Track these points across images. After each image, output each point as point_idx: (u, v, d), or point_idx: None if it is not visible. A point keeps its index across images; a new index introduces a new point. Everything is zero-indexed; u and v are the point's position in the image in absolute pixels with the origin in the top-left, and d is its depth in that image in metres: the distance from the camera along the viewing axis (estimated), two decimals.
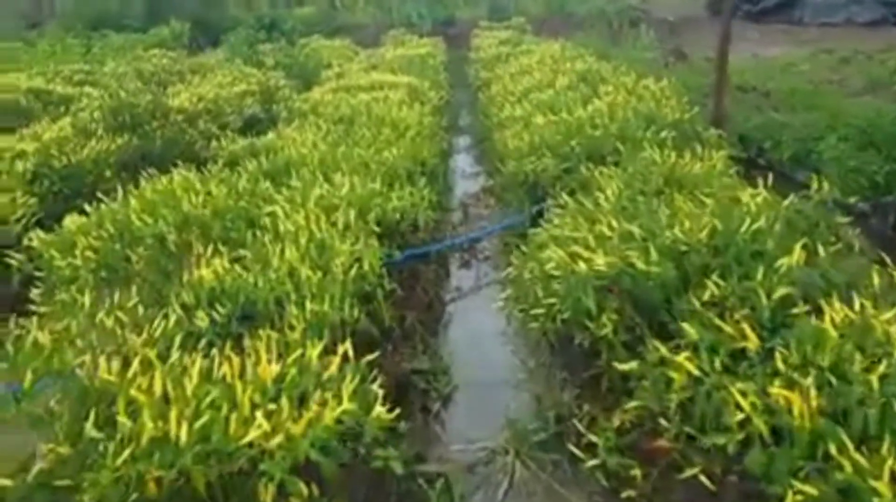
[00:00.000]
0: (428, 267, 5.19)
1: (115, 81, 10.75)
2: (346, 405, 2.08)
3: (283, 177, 4.55)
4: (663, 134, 4.82)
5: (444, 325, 4.67)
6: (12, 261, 3.66)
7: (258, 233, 3.47)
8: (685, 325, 2.33)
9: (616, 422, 2.84)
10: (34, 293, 3.50)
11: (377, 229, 3.80)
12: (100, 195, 4.34)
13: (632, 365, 2.70)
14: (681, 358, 2.21)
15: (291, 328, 2.78)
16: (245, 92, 9.53)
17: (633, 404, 2.64)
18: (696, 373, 2.16)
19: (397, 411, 2.50)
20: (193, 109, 7.41)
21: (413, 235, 4.87)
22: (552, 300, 3.28)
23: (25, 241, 3.92)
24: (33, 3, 24.01)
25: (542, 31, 18.91)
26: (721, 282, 2.72)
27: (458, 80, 14.66)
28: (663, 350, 2.37)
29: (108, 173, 5.77)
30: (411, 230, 4.44)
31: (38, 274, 3.56)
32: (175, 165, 5.02)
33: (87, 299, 3.01)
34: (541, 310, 3.36)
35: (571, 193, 4.67)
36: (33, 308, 3.43)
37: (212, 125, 7.55)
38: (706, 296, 2.68)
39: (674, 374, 2.21)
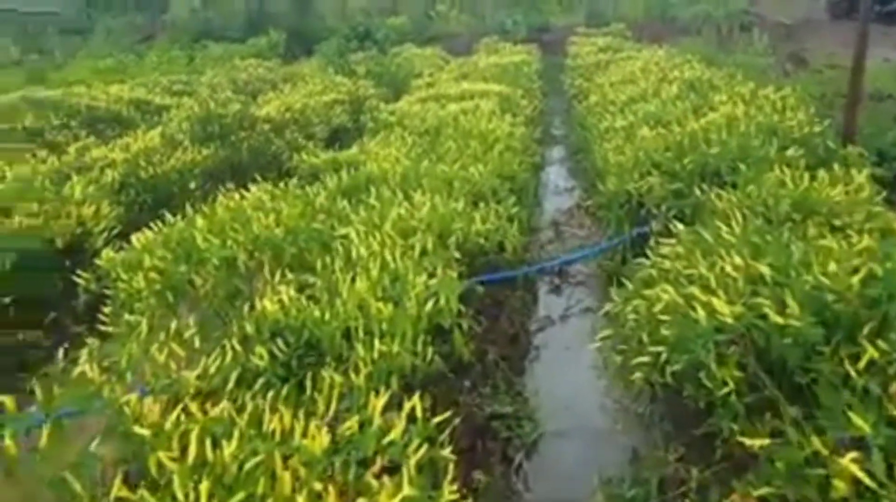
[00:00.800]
0: (514, 292, 4.77)
1: (210, 91, 11.00)
2: (406, 491, 1.71)
3: (363, 193, 4.26)
4: (790, 151, 4.19)
5: (530, 361, 4.23)
6: (80, 280, 3.53)
7: (330, 258, 3.17)
8: (854, 416, 1.80)
9: None
10: (106, 312, 3.34)
11: (458, 255, 3.42)
12: (186, 206, 4.23)
13: (762, 441, 2.18)
14: (846, 460, 1.69)
15: (357, 371, 2.45)
16: (333, 101, 9.46)
17: (762, 491, 2.12)
18: (868, 482, 1.64)
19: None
20: (281, 119, 7.32)
21: (499, 256, 4.48)
22: (660, 348, 2.80)
23: (102, 256, 3.82)
24: (147, 18, 25.36)
25: (642, 37, 18.07)
26: (882, 345, 2.16)
27: (552, 88, 14.16)
28: (818, 444, 1.84)
29: (192, 184, 5.71)
30: (497, 252, 4.03)
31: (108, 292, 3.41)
32: (261, 177, 4.88)
33: (144, 326, 2.79)
34: (645, 359, 2.88)
35: (681, 218, 4.14)
36: (103, 329, 3.31)
37: (299, 135, 7.45)
38: (863, 363, 2.13)
39: (837, 483, 1.69)
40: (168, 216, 4.07)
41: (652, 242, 4.87)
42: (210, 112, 6.54)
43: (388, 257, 2.98)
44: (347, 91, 10.56)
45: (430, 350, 2.66)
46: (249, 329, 2.68)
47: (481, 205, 4.16)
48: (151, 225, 3.99)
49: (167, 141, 6.23)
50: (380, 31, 23.40)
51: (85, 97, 8.61)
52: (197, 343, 2.63)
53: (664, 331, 2.85)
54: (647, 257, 5.09)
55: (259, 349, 2.50)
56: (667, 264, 3.18)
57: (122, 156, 5.72)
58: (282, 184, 4.54)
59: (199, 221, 3.40)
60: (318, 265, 3.10)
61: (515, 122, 7.71)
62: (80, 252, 4.47)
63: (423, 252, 3.15)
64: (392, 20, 24.86)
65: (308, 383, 2.43)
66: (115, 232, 4.64)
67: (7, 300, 3.92)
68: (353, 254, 3.07)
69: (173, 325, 2.74)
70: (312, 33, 21.46)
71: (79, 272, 3.61)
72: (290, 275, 3.00)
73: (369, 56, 14.54)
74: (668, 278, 3.06)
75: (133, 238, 3.52)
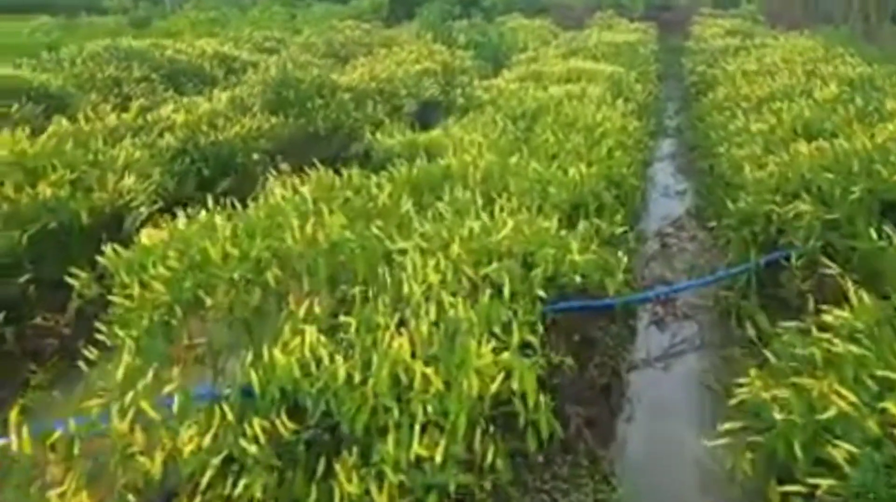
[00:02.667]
0: (608, 326, 3.89)
1: (302, 50, 10.46)
2: None
3: (436, 191, 3.49)
4: None
5: (623, 421, 3.36)
6: (74, 281, 2.95)
7: (376, 286, 2.42)
8: None
9: None
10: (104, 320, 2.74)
11: (543, 294, 2.59)
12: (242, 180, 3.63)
13: None
14: None
15: (381, 480, 1.71)
16: (425, 71, 8.68)
17: None
18: None
19: None
20: (365, 88, 6.62)
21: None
22: (824, 480, 1.91)
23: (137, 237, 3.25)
24: None
25: (777, 22, 16.23)
26: None
27: (670, 71, 12.85)
28: None
29: (255, 156, 5.11)
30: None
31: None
32: (332, 156, 4.22)
33: (126, 354, 2.15)
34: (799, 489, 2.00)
35: (844, 262, 3.14)
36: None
37: (383, 107, 6.75)
38: None
39: None
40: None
41: (788, 279, 3.91)
42: (287, 75, 5.91)
43: (448, 300, 2.20)
44: (443, 61, 9.75)
45: (490, 448, 1.88)
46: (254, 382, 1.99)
47: (581, 222, 3.29)
48: (205, 200, 3.39)
49: (236, 105, 5.65)
50: None
51: (170, 49, 8.21)
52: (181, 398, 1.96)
53: (832, 450, 1.96)
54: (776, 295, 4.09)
55: (253, 426, 1.80)
56: (839, 348, 2.23)
57: (185, 118, 5.18)
58: (346, 171, 3.83)
59: (219, 222, 2.72)
60: (358, 295, 2.36)
61: (627, 110, 6.71)
62: (117, 229, 3.95)
63: (496, 296, 2.34)
64: None
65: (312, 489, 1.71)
66: (157, 206, 4.09)
67: (23, 279, 3.42)
68: (405, 289, 2.31)
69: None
70: None
71: (73, 271, 3.02)
72: (318, 306, 2.28)
73: (471, 24, 13.60)
74: (840, 370, 2.14)
75: (143, 233, 2.89)
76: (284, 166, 4.35)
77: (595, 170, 3.83)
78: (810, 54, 7.71)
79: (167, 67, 7.78)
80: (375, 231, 2.84)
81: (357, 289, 2.39)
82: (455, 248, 2.59)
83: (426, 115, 7.44)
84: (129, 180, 4.02)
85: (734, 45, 10.58)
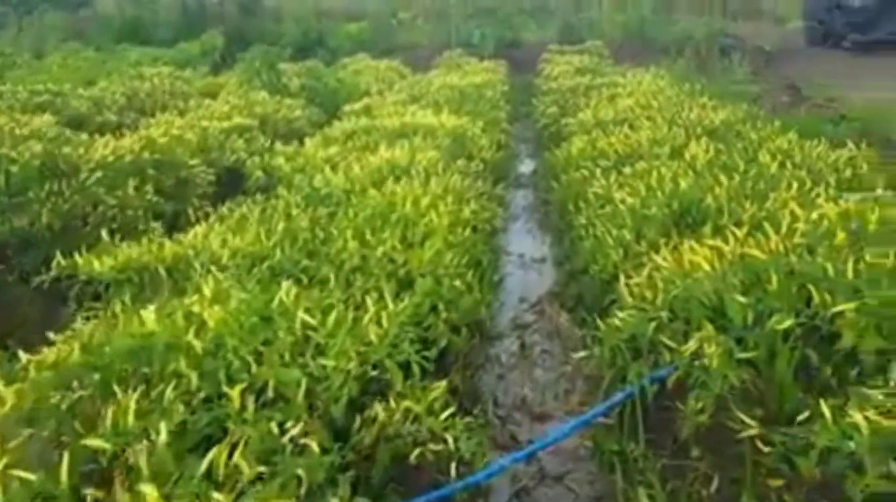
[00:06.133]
0: None
1: (90, 105, 8.63)
2: None
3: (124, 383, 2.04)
4: None
5: None
6: None
7: None
8: None
9: None
10: None
11: None
12: None
13: None
14: None
15: None
16: (236, 128, 7.20)
17: None
18: None
19: None
20: (132, 160, 5.04)
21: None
22: None
23: None
24: (72, 13, 22.57)
25: (620, 56, 16.23)
26: None
27: (522, 110, 12.14)
28: None
29: None
30: None
31: None
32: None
33: None
34: None
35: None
36: None
37: (167, 180, 5.18)
38: None
39: None
40: None
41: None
42: None
43: None
44: (262, 114, 8.31)
45: None
46: None
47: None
48: None
49: None
50: (334, 38, 21.17)
51: None
52: None
53: None
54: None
55: None
56: None
57: None
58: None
59: None
60: None
61: (470, 170, 5.59)
62: None
63: None
64: (349, 26, 22.58)
65: None
66: None
67: None
68: None
69: None
70: (257, 38, 19.01)
71: None
72: None
73: (304, 69, 12.26)
74: None
75: None
76: None
77: (408, 306, 2.53)
78: (665, 95, 7.03)
79: None
80: None
81: None
82: None
83: (229, 188, 5.95)
84: None
85: (584, 83, 9.96)
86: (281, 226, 3.28)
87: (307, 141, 6.00)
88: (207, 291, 2.35)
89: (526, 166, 9.09)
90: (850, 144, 4.70)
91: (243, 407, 1.80)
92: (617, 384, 3.16)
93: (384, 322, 2.30)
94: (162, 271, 2.89)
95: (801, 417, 2.11)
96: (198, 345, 1.97)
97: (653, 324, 2.62)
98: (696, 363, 2.33)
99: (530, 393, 3.82)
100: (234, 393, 1.80)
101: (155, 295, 2.71)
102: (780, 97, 12.61)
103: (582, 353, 3.19)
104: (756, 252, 2.30)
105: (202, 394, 1.87)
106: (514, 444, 3.29)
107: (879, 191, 3.22)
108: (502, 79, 13.69)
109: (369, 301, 2.40)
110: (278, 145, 6.02)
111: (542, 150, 8.91)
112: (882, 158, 5.13)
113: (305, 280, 2.91)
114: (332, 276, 2.84)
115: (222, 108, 8.34)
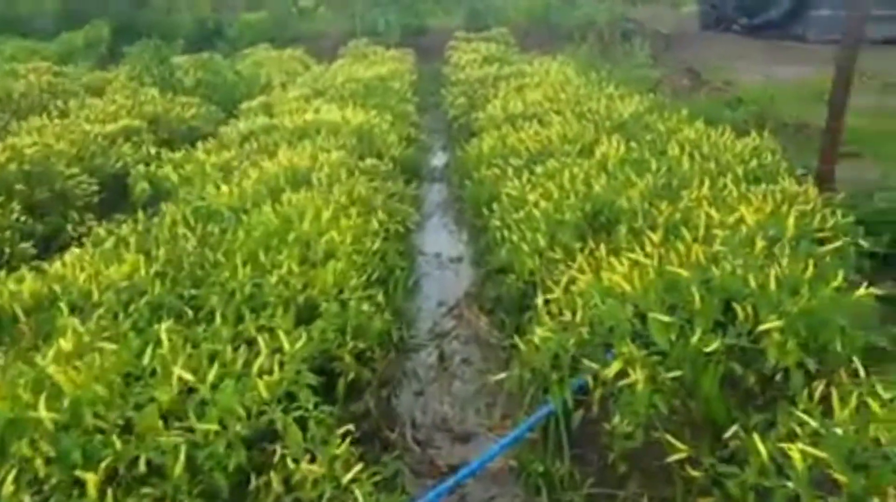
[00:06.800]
0: None
1: None
2: None
3: None
4: None
5: None
6: None
7: None
8: None
9: None
10: None
11: None
12: None
13: None
14: None
15: None
16: (125, 131, 6.62)
17: None
18: None
19: None
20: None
21: None
22: None
23: None
24: None
25: (526, 43, 16.25)
26: None
27: (432, 100, 11.90)
28: None
29: None
30: None
31: None
32: None
33: None
34: None
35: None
36: None
37: (38, 198, 4.64)
38: None
39: None
40: None
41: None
42: None
43: None
44: (154, 113, 7.71)
45: None
46: None
47: None
48: None
49: None
50: (232, 28, 20.18)
51: None
52: None
53: None
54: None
55: None
56: None
57: None
58: None
59: None
60: None
61: (379, 173, 5.33)
62: None
63: None
64: (248, 15, 21.57)
65: None
66: None
67: None
68: None
69: None
70: (147, 29, 17.81)
71: None
72: None
73: (202, 61, 11.55)
74: None
75: None
76: None
77: (306, 344, 2.26)
78: (572, 85, 6.96)
79: None
80: None
81: None
82: None
83: (118, 198, 5.44)
84: None
85: (492, 73, 9.81)
86: (164, 250, 2.93)
87: (201, 144, 5.55)
88: (67, 344, 2.00)
89: (439, 159, 8.89)
90: (753, 133, 4.74)
91: (102, 494, 1.49)
92: (540, 396, 3.03)
93: (283, 364, 2.02)
94: (20, 313, 2.49)
95: (728, 433, 2.02)
96: (49, 418, 1.65)
97: (572, 341, 2.47)
98: (621, 383, 2.19)
99: (450, 411, 3.62)
100: (90, 478, 1.49)
101: (11, 345, 2.32)
102: (681, 81, 12.93)
103: (502, 375, 2.99)
104: (677, 268, 2.17)
105: (54, 480, 1.55)
106: (436, 471, 3.10)
107: None
108: (410, 68, 13.40)
109: (262, 341, 2.11)
110: (166, 151, 5.53)
111: (453, 142, 8.73)
112: (783, 145, 5.24)
113: (191, 314, 2.58)
114: (223, 309, 2.52)
115: (108, 109, 7.68)
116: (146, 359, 1.94)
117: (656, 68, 13.56)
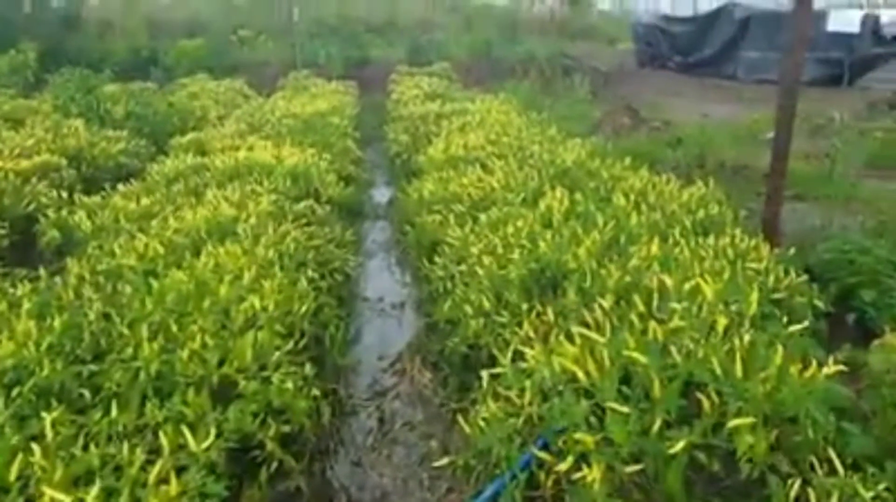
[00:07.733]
0: None
1: None
2: None
3: None
4: None
5: None
6: None
7: None
8: None
9: None
10: None
11: None
12: None
13: None
14: None
15: None
16: (42, 167, 6.15)
17: None
18: None
19: None
20: None
21: None
22: None
23: None
24: None
25: (468, 78, 16.33)
26: None
27: (375, 134, 11.69)
28: None
29: None
30: None
31: None
32: None
33: None
34: None
35: None
36: None
37: None
38: None
39: None
40: None
41: None
42: None
43: None
44: (76, 148, 7.23)
45: None
46: None
47: None
48: None
49: None
50: (168, 56, 19.58)
51: None
52: None
53: None
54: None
55: None
56: None
57: None
58: None
59: None
60: None
61: (314, 218, 5.05)
62: None
63: None
64: (185, 42, 20.99)
65: None
66: None
67: None
68: None
69: None
70: (78, 55, 17.07)
71: None
72: None
73: (134, 91, 11.05)
74: None
75: None
76: None
77: (215, 442, 1.96)
78: (514, 126, 6.87)
79: None
80: None
81: None
82: None
83: (25, 248, 4.97)
84: None
85: (434, 110, 9.70)
86: (62, 317, 2.58)
87: (122, 186, 5.16)
88: None
89: (382, 194, 8.68)
90: (699, 182, 4.70)
91: None
92: (490, 470, 2.79)
93: (185, 468, 1.73)
94: None
95: None
96: None
97: (521, 422, 2.25)
98: (575, 477, 1.98)
99: (391, 484, 3.33)
100: None
101: None
102: (621, 119, 13.12)
103: (444, 461, 2.74)
104: (633, 351, 1.98)
105: None
106: None
107: None
108: (353, 101, 13.20)
109: (163, 438, 1.81)
110: (82, 194, 5.11)
111: (397, 179, 8.53)
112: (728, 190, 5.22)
113: (89, 396, 2.25)
114: (126, 391, 2.20)
115: (26, 143, 7.16)
116: (13, 474, 1.60)
117: (596, 104, 13.79)
